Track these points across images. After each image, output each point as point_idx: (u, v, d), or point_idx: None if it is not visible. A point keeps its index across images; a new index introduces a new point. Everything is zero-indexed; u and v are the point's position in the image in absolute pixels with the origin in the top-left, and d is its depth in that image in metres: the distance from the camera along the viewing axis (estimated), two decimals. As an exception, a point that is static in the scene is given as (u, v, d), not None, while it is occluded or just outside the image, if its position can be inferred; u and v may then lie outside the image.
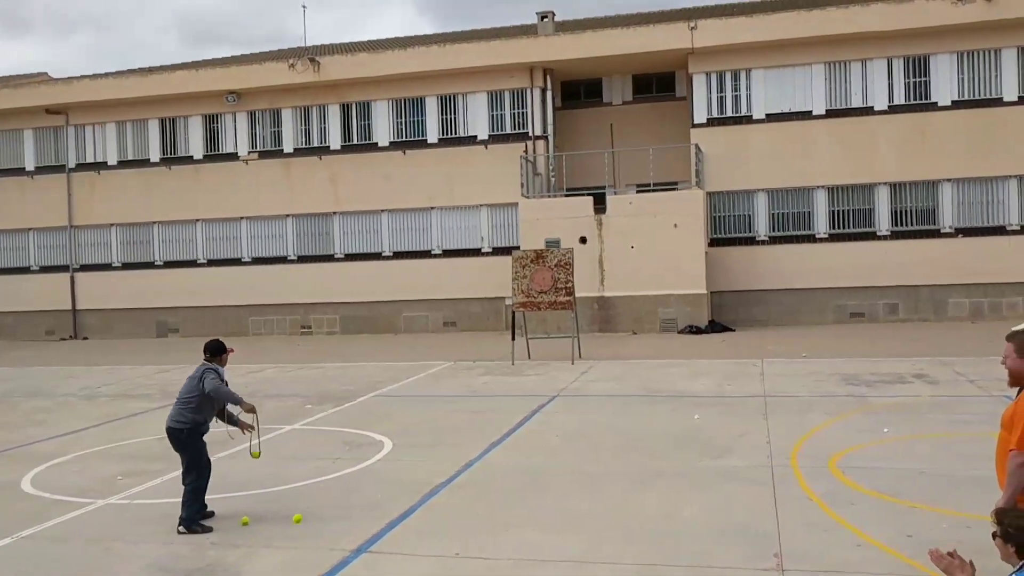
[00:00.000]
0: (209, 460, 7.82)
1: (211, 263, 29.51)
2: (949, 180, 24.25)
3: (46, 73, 32.61)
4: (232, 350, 8.07)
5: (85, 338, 30.29)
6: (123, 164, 30.16)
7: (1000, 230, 24.05)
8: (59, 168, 30.62)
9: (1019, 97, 23.80)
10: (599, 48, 25.84)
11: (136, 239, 30.22)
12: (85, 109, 30.11)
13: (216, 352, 7.82)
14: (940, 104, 24.28)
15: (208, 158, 29.41)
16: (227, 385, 7.71)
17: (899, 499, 7.51)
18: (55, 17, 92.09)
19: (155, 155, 29.86)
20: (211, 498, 7.81)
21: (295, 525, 7.45)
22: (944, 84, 24.24)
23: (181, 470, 7.69)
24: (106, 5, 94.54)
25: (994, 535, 4.05)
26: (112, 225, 30.31)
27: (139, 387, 17.05)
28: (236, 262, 29.28)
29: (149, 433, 11.99)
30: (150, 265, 30.03)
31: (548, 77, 26.86)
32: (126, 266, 30.28)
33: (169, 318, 29.70)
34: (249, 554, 6.80)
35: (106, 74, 30.85)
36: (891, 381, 14.00)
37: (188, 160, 29.56)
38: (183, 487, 7.57)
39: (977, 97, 24.10)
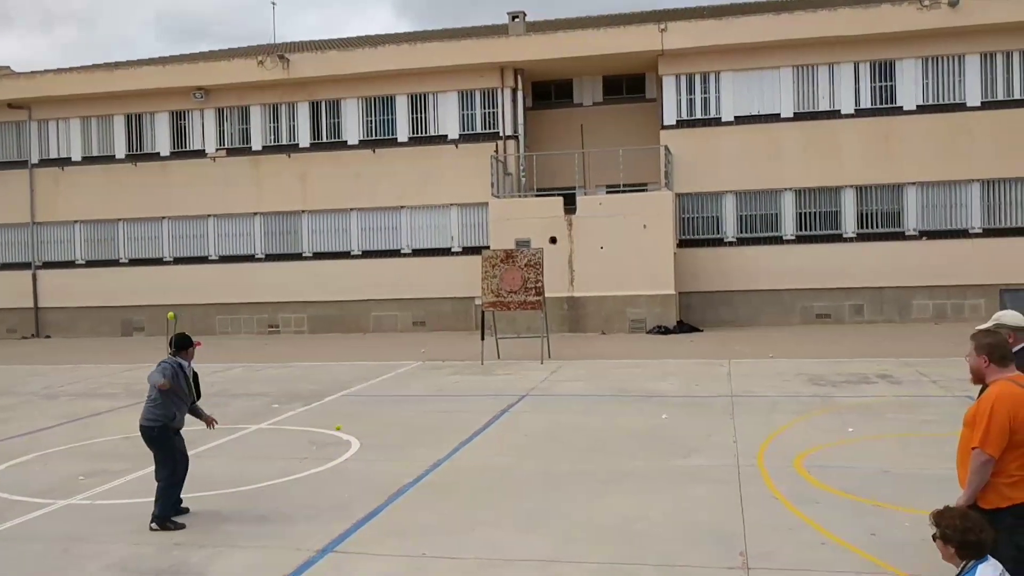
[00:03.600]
0: (186, 455, 7.83)
1: (177, 261, 29.17)
2: (913, 183, 24.59)
3: (8, 67, 32.01)
4: (198, 343, 8.07)
5: (48, 336, 29.81)
6: (88, 160, 29.72)
7: (963, 233, 24.43)
8: (21, 163, 30.10)
9: (982, 103, 24.20)
10: (570, 49, 25.88)
11: (101, 236, 29.79)
12: (49, 104, 29.64)
13: (180, 346, 7.83)
14: (905, 108, 24.62)
15: (175, 155, 29.07)
16: (188, 378, 7.74)
17: (863, 498, 7.59)
18: (36, 12, 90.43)
19: (121, 151, 29.45)
20: (175, 498, 7.74)
21: (261, 525, 7.39)
22: (909, 89, 24.58)
23: (154, 467, 7.68)
24: (88, 1, 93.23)
25: (934, 537, 4.11)
26: (76, 222, 29.85)
27: (103, 386, 16.81)
28: (203, 260, 28.97)
29: (113, 432, 11.85)
30: (115, 263, 29.61)
31: (519, 77, 26.86)
32: (90, 264, 29.83)
33: (134, 316, 29.31)
34: (214, 554, 6.73)
35: (71, 69, 30.33)
36: (856, 381, 14.16)
37: (155, 157, 29.20)
38: (156, 484, 7.54)
39: (941, 102, 24.47)
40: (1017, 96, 24.03)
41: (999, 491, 4.51)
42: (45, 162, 30.05)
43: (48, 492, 8.77)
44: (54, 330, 29.95)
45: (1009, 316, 5.48)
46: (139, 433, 7.77)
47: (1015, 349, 4.99)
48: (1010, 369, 4.68)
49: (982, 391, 4.81)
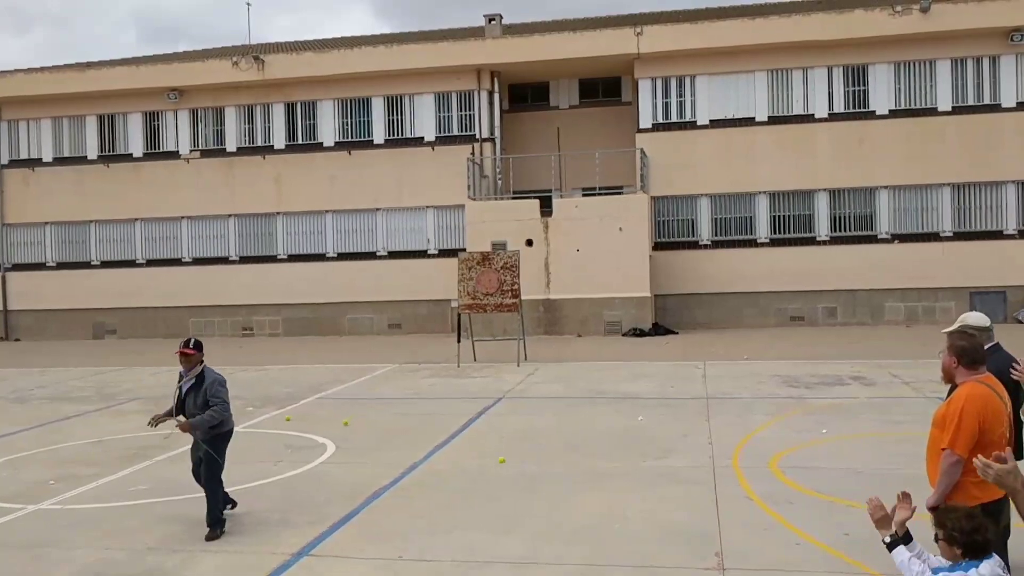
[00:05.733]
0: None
1: (150, 263, 28.90)
2: (886, 187, 24.86)
3: (-22, 67, 31.67)
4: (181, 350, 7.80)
5: (17, 339, 29.42)
6: (59, 161, 29.39)
7: (934, 236, 24.71)
8: (-9, 164, 29.75)
9: (953, 107, 24.52)
10: (546, 52, 25.95)
11: (72, 238, 29.46)
12: (19, 104, 29.29)
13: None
14: (878, 113, 24.89)
15: (148, 156, 28.81)
16: (180, 389, 7.61)
17: (837, 498, 7.64)
18: (9, 11, 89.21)
19: (92, 152, 29.15)
20: (151, 501, 7.74)
21: (236, 529, 7.32)
22: (882, 93, 24.86)
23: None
24: (63, 1, 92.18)
25: (936, 537, 3.89)
26: (47, 223, 29.50)
27: (74, 390, 16.60)
28: (176, 262, 28.72)
29: (83, 437, 11.71)
30: (86, 265, 29.29)
31: (495, 80, 26.88)
32: (61, 266, 29.49)
33: (106, 319, 29.00)
34: (188, 559, 6.66)
35: (42, 68, 30.00)
36: (829, 383, 14.28)
37: (127, 158, 28.92)
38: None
39: (913, 107, 24.77)
40: (987, 101, 24.38)
41: (967, 491, 4.57)
42: (15, 163, 29.67)
43: (17, 497, 8.64)
44: (23, 333, 29.57)
45: (972, 317, 5.56)
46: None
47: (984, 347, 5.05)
48: (980, 371, 4.74)
49: (951, 391, 4.88)
